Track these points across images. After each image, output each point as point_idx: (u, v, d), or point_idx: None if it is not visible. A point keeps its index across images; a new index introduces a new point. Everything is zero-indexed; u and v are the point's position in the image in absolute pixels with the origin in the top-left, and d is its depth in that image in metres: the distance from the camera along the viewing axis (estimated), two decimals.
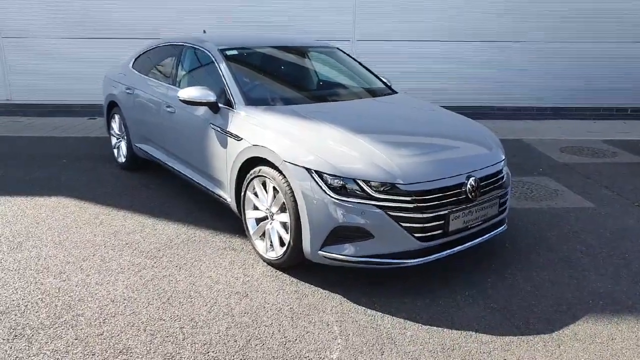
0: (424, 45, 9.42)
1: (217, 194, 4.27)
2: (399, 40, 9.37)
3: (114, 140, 6.16)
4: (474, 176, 3.41)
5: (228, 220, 4.45)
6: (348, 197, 3.18)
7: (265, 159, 3.59)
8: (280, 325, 3.03)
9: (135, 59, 5.88)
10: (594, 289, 3.49)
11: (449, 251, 3.40)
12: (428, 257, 3.31)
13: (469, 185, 3.35)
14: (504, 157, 3.88)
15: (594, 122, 9.39)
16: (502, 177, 3.75)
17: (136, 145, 5.59)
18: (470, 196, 3.36)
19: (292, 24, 9.21)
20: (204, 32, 5.89)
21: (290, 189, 3.37)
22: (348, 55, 5.45)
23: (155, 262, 3.75)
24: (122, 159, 6.00)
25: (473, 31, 9.38)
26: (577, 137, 8.08)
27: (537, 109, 9.70)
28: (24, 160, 6.39)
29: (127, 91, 5.59)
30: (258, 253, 3.80)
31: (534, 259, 3.92)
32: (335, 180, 3.21)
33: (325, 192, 3.20)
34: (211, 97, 4.05)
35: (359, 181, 3.19)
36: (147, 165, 5.85)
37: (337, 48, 5.49)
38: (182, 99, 4.14)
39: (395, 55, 9.40)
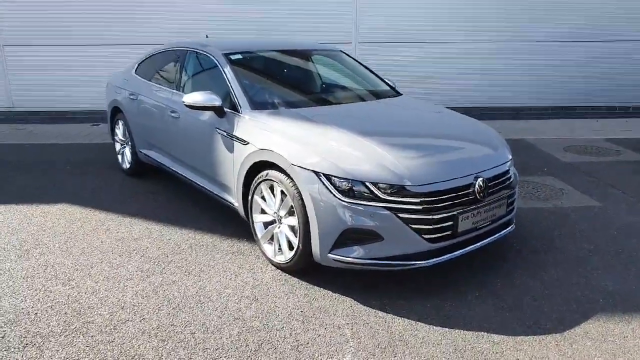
0: (426, 46, 9.45)
1: (223, 199, 4.26)
2: (401, 41, 9.40)
3: (118, 147, 6.16)
4: (482, 176, 3.40)
5: (235, 225, 4.45)
6: (356, 200, 3.18)
7: (272, 162, 3.58)
8: (291, 329, 3.02)
9: (139, 65, 5.88)
10: (603, 287, 3.49)
11: (459, 252, 3.39)
12: (438, 259, 3.30)
13: (477, 186, 3.35)
14: (510, 157, 3.87)
15: (597, 120, 9.39)
16: (510, 177, 3.74)
17: (141, 151, 5.59)
18: (478, 197, 3.35)
19: (293, 27, 9.22)
20: (207, 36, 5.90)
21: (298, 192, 3.36)
22: (352, 57, 5.45)
23: (163, 268, 3.75)
24: (126, 165, 6.00)
25: (474, 31, 9.40)
26: (580, 136, 8.08)
27: (539, 109, 9.71)
28: (28, 167, 6.40)
29: (131, 97, 5.59)
30: (267, 257, 3.80)
31: (542, 258, 3.92)
32: (344, 183, 3.20)
33: (334, 195, 3.20)
34: (216, 101, 4.05)
35: (367, 183, 3.18)
36: (152, 171, 5.84)
37: (341, 51, 5.48)
38: (187, 104, 4.14)
39: (397, 56, 9.43)
